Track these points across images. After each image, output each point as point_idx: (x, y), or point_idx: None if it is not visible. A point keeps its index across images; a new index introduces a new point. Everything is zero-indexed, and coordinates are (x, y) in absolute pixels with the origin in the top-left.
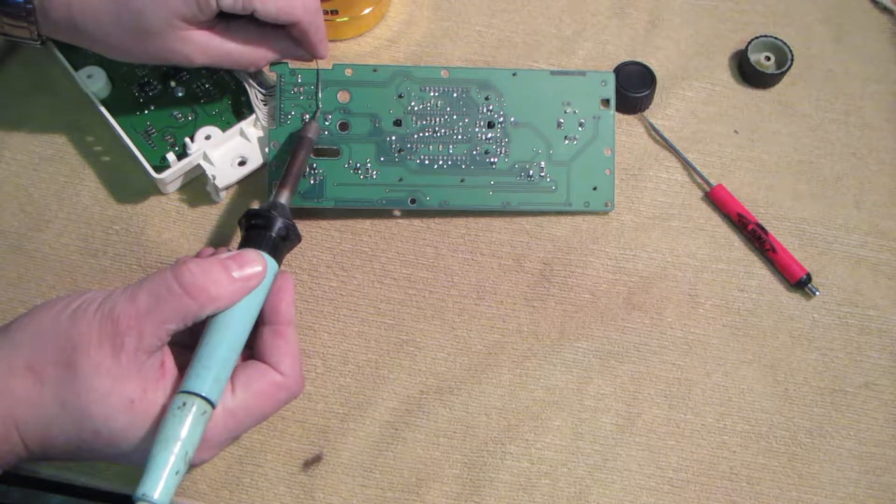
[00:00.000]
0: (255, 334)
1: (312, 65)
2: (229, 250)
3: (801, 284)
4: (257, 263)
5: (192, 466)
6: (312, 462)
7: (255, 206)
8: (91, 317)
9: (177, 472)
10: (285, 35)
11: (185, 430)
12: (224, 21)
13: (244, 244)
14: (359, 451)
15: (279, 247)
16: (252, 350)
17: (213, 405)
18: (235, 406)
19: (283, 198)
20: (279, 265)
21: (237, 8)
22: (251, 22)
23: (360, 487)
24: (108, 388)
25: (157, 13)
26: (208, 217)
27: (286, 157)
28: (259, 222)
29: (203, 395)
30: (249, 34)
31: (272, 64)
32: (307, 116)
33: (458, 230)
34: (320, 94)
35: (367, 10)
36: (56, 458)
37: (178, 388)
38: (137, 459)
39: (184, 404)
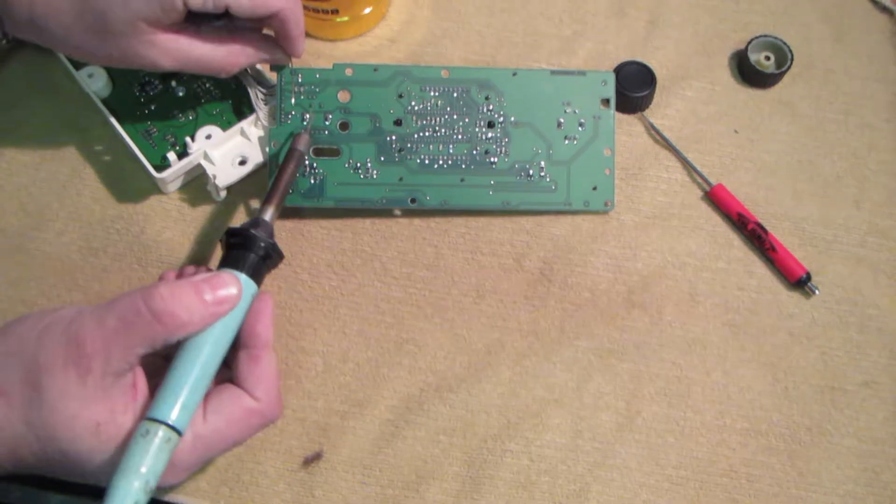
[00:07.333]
0: (232, 357)
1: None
2: (210, 270)
3: (800, 283)
4: (232, 286)
5: (160, 489)
6: (312, 459)
7: (256, 205)
8: (58, 338)
9: (135, 503)
10: (259, 38)
11: (147, 460)
12: (194, 23)
13: (223, 264)
14: (359, 448)
15: (259, 267)
16: (230, 372)
17: (179, 433)
18: (206, 431)
19: (268, 215)
20: (259, 286)
21: (208, 6)
22: (223, 24)
23: (360, 485)
24: (73, 411)
25: (120, 15)
26: (209, 216)
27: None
28: (238, 241)
29: (168, 422)
30: (221, 37)
31: (272, 65)
32: (308, 116)
33: (458, 230)
34: (290, 100)
35: (367, 10)
36: (29, 473)
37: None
38: (104, 480)
39: (147, 432)
